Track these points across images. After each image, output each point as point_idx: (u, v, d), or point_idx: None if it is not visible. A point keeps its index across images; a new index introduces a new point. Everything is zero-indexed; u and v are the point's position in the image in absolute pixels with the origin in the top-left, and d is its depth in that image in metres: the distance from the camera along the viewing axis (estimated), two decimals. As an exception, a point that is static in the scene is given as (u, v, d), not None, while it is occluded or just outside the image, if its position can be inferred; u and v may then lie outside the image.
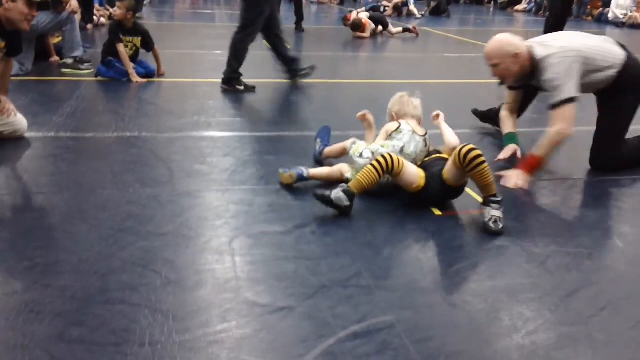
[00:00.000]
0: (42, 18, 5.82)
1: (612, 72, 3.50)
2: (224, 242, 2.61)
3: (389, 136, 3.30)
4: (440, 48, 10.44)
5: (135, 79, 5.69)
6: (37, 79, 5.70)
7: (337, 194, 2.88)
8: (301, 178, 3.23)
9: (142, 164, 3.52)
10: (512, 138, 3.85)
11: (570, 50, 3.40)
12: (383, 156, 2.94)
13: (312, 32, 12.16)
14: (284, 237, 2.68)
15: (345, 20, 11.08)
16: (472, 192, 3.21)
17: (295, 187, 3.24)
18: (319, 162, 3.55)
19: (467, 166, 2.80)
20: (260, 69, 7.44)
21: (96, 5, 10.49)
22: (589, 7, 17.43)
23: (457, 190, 3.05)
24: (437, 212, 3.02)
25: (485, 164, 2.81)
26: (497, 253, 2.64)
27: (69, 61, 6.10)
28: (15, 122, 3.82)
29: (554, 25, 7.64)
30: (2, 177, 3.29)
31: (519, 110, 4.08)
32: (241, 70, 5.73)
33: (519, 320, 2.14)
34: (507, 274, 2.45)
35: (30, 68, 5.90)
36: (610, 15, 15.64)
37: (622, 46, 3.62)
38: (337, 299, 2.19)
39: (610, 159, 3.72)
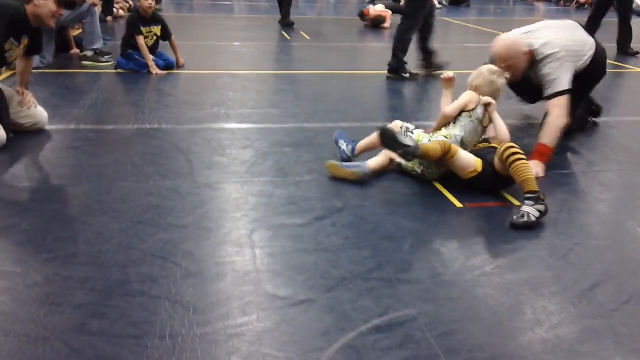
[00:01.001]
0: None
1: (587, 61, 3.71)
2: (244, 234, 2.60)
3: (460, 114, 3.32)
4: (460, 38, 10.32)
5: (155, 71, 5.70)
6: (58, 72, 5.74)
7: (402, 135, 2.98)
8: (366, 178, 3.21)
9: (162, 156, 3.51)
10: None
11: (566, 49, 3.59)
12: (445, 142, 3.06)
13: (331, 22, 12.11)
14: (304, 230, 2.66)
15: (362, 15, 10.78)
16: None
17: (313, 180, 3.21)
18: (350, 160, 3.45)
19: (505, 162, 2.89)
20: (276, 60, 7.44)
21: (116, -2, 10.52)
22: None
23: (509, 179, 3.02)
24: (459, 205, 2.98)
25: (520, 162, 2.85)
26: (519, 246, 2.60)
27: (89, 53, 6.12)
28: (36, 114, 3.85)
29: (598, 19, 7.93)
30: (23, 168, 3.31)
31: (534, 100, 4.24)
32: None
33: (541, 313, 2.10)
34: (530, 267, 2.41)
35: (51, 60, 5.94)
36: (634, 5, 15.38)
37: (586, 31, 3.84)
38: (358, 292, 2.17)
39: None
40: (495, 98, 3.36)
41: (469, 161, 3.07)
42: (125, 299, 2.07)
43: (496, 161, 3.00)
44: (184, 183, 3.11)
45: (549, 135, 3.49)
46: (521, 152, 2.88)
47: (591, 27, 7.96)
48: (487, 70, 3.42)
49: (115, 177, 3.16)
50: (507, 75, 3.51)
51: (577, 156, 3.78)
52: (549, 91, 3.55)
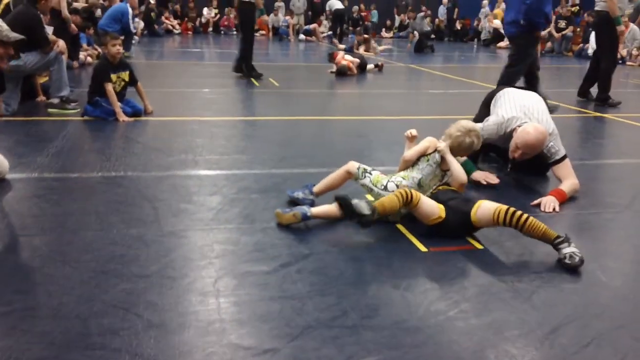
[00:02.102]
0: (30, 58, 5.85)
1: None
2: (209, 282, 2.57)
3: (419, 158, 3.41)
4: (426, 84, 10.55)
5: (122, 117, 5.69)
6: (23, 119, 5.69)
7: (359, 201, 2.93)
8: (305, 218, 3.21)
9: (127, 203, 3.49)
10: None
11: (553, 126, 4.03)
12: (405, 190, 3.05)
13: (300, 69, 12.28)
14: (270, 277, 2.64)
15: (331, 57, 10.93)
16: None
17: (280, 226, 3.21)
18: (313, 203, 3.45)
19: (516, 227, 2.96)
20: (244, 107, 7.50)
21: (84, 45, 10.56)
22: (570, 43, 17.84)
23: (475, 227, 3.12)
24: (423, 249, 3.00)
25: (530, 220, 2.94)
26: (483, 290, 2.62)
27: (56, 101, 6.08)
28: (-4, 163, 3.78)
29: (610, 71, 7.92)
30: (-16, 219, 3.25)
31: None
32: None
33: (504, 357, 2.11)
34: (493, 311, 2.42)
35: (16, 108, 5.89)
36: (589, 51, 15.90)
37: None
38: (322, 340, 2.16)
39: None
40: (458, 151, 3.43)
41: (432, 209, 3.09)
42: (84, 352, 2.02)
43: (485, 218, 3.01)
44: (149, 231, 3.08)
45: (569, 188, 3.85)
46: (522, 212, 2.97)
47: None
48: (463, 128, 3.45)
49: (78, 226, 3.12)
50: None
51: (539, 198, 3.83)
52: (554, 157, 3.97)
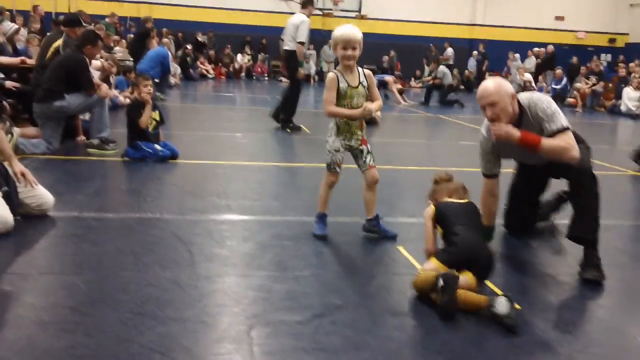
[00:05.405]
0: (74, 100, 6.05)
1: None
2: (242, 330, 2.59)
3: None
4: (455, 135, 10.57)
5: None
6: (64, 158, 5.85)
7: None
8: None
9: (162, 245, 3.55)
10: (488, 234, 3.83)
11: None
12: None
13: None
14: (303, 327, 2.65)
15: (384, 84, 10.86)
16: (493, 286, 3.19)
17: (312, 275, 3.23)
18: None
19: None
20: (276, 152, 7.58)
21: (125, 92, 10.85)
22: (601, 98, 17.69)
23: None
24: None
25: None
26: (522, 351, 2.57)
27: (95, 141, 6.24)
28: (41, 195, 3.89)
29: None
30: (26, 257, 3.33)
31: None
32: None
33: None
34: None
35: (58, 147, 6.07)
36: (622, 107, 15.81)
37: None
38: (356, 394, 2.15)
39: None
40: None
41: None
42: (121, 394, 2.05)
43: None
44: (184, 274, 3.13)
45: (550, 141, 3.39)
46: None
47: None
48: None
49: (115, 266, 3.18)
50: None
51: (572, 258, 3.79)
52: (552, 126, 3.44)
